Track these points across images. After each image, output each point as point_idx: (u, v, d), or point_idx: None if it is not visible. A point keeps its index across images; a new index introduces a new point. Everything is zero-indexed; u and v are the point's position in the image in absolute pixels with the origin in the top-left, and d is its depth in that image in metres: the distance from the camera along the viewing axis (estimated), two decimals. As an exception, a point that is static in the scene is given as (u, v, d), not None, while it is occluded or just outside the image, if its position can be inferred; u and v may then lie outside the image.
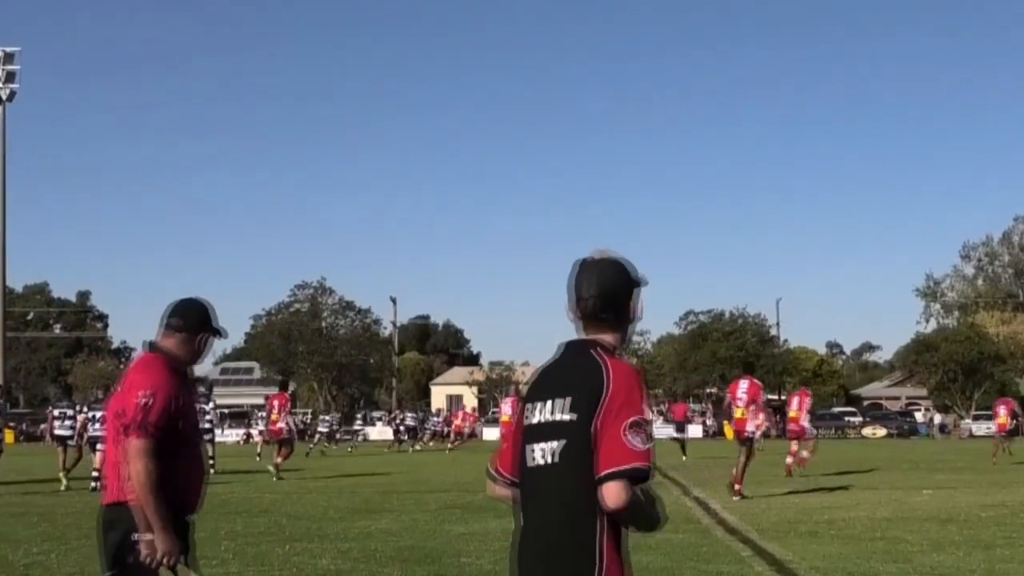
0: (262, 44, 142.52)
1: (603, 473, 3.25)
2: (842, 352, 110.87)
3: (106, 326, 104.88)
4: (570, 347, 3.53)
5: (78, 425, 21.48)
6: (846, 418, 69.36)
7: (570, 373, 3.44)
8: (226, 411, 65.10)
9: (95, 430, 19.63)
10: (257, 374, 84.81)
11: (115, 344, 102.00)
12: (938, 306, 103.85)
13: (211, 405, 22.79)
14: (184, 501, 4.62)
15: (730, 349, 73.19)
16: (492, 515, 13.91)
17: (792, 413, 24.54)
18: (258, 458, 29.58)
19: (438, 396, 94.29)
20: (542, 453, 3.41)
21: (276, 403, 24.86)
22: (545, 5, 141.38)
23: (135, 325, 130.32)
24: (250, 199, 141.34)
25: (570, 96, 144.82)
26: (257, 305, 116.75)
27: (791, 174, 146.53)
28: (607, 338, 3.51)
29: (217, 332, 4.91)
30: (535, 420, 3.47)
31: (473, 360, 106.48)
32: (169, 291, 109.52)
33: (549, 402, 3.44)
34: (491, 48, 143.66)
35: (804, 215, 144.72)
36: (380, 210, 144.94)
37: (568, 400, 3.38)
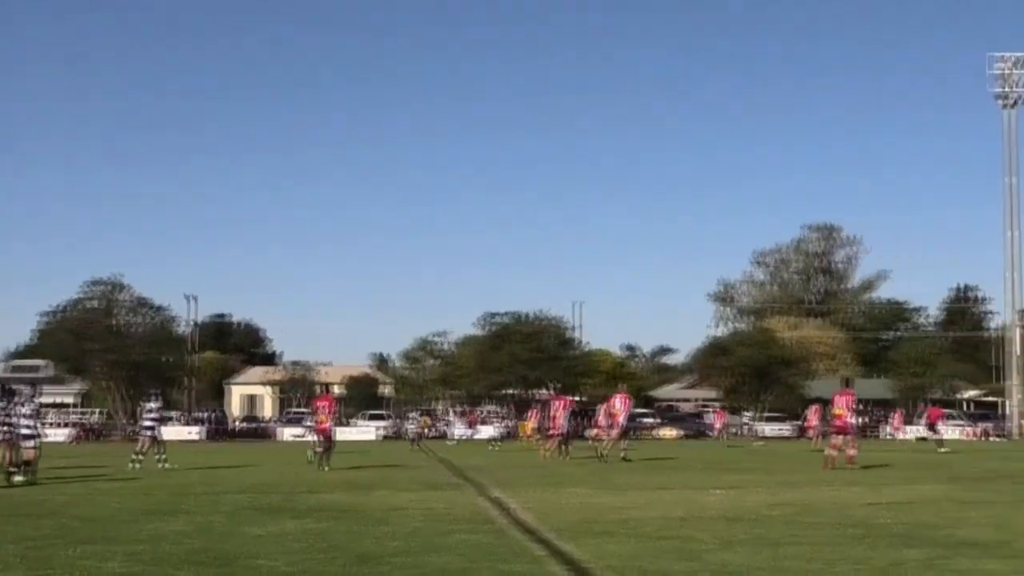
0: None
1: None
2: (639, 355, 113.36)
3: None
4: None
5: None
6: (640, 419, 71.01)
7: None
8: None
9: None
10: (45, 372, 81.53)
11: None
12: (730, 310, 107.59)
13: (29, 408, 21.73)
14: None
15: (529, 351, 73.99)
16: (289, 516, 13.73)
17: (615, 410, 32.21)
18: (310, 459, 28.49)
19: (235, 395, 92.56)
20: None
21: (323, 405, 27.80)
22: None
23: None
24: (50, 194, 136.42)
25: (376, 90, 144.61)
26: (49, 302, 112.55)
27: (585, 178, 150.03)
28: None
29: None
30: None
31: (271, 359, 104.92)
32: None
33: None
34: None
35: (603, 220, 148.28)
36: (180, 207, 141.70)
37: None
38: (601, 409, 37.64)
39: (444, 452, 40.42)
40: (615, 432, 32.43)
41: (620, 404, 32.48)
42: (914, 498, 17.07)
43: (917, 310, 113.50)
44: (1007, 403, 73.06)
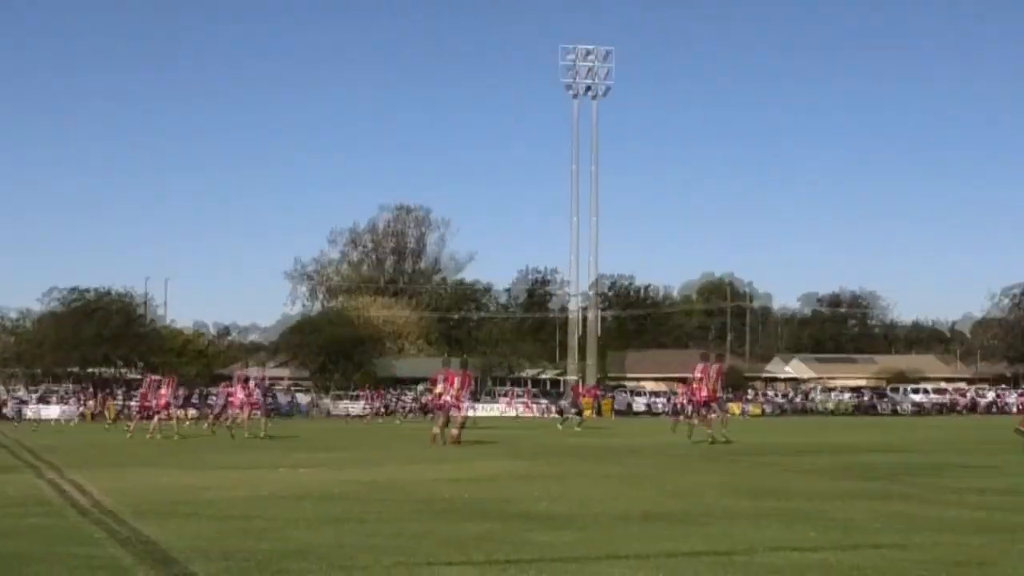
0: None
1: None
2: (212, 331, 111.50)
3: None
4: None
5: None
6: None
7: None
8: None
9: None
10: None
11: None
12: (311, 289, 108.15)
13: None
14: None
15: (96, 327, 71.57)
16: None
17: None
18: None
19: None
20: None
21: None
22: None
23: None
24: None
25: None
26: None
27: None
28: None
29: None
30: None
31: None
32: None
33: None
34: None
35: (183, 199, 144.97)
36: None
37: None
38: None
39: (15, 432, 38.58)
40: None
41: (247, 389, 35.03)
42: (476, 474, 17.85)
43: (486, 290, 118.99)
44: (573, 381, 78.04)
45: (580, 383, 69.44)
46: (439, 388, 28.47)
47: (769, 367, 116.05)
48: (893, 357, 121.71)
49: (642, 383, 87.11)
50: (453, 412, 27.68)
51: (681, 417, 35.66)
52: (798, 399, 79.32)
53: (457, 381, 28.16)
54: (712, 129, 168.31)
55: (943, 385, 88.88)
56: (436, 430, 27.50)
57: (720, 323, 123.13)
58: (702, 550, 9.08)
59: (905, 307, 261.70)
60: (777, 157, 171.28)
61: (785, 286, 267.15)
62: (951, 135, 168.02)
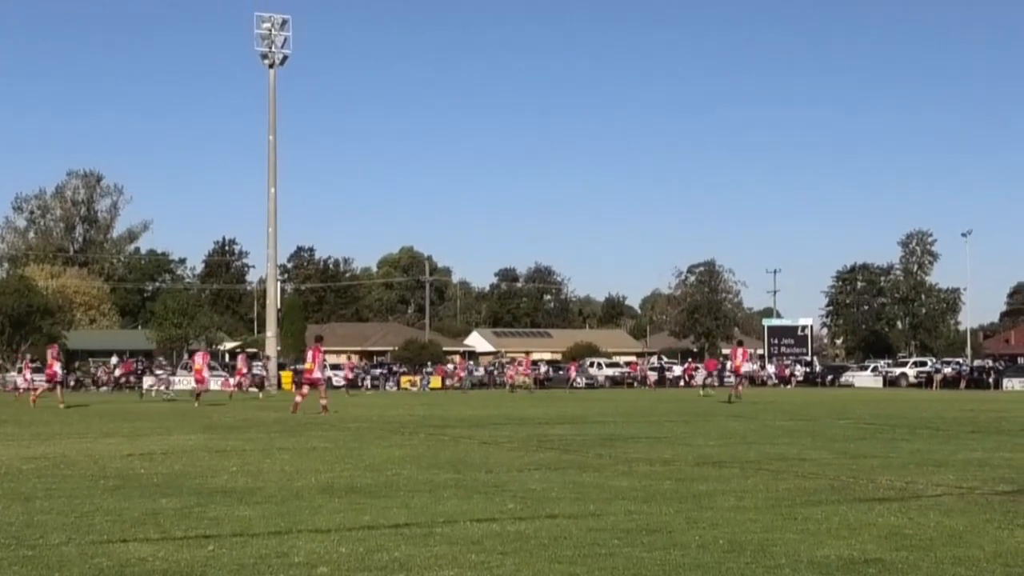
0: None
1: None
2: None
3: None
4: None
5: None
6: None
7: None
8: None
9: None
10: None
11: None
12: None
13: None
14: None
15: None
16: None
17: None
18: None
19: None
20: None
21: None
22: None
23: None
24: None
25: None
26: None
27: None
28: None
29: None
30: None
31: None
32: None
33: None
34: None
35: None
36: None
37: None
38: None
39: None
40: None
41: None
42: (171, 448, 17.85)
43: (180, 261, 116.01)
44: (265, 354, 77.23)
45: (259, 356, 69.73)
46: (308, 364, 31.93)
47: (468, 340, 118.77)
48: (580, 331, 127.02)
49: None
50: (319, 385, 31.30)
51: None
52: (479, 372, 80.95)
53: (320, 356, 31.58)
54: (402, 111, 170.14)
55: (617, 360, 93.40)
56: (298, 399, 31.16)
57: (420, 297, 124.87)
58: (401, 522, 9.50)
59: (595, 284, 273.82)
60: (474, 133, 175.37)
61: (480, 263, 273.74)
62: (640, 126, 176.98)
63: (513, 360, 78.50)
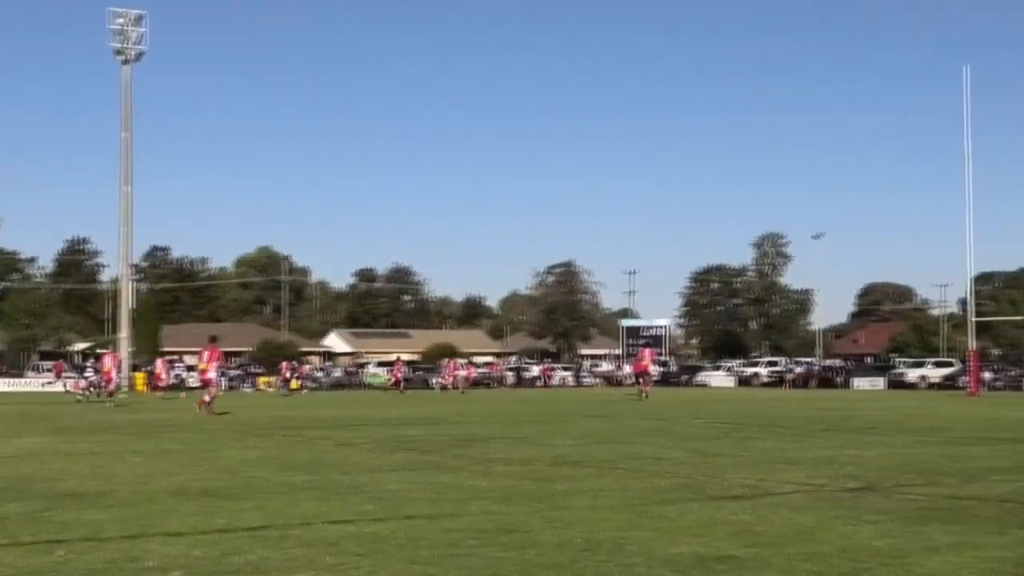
0: None
1: None
2: None
3: None
4: None
5: None
6: None
7: None
8: None
9: None
10: None
11: None
12: None
13: None
14: None
15: None
16: None
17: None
18: None
19: None
20: None
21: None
22: None
23: None
24: None
25: None
26: None
27: None
28: None
29: None
30: None
31: None
32: None
33: None
34: None
35: None
36: None
37: None
38: None
39: None
40: None
41: None
42: (18, 451, 17.48)
43: (30, 260, 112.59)
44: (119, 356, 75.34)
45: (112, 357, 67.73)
46: (203, 363, 32.48)
47: (326, 341, 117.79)
48: (440, 332, 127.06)
49: (183, 357, 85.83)
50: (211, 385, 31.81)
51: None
52: (337, 372, 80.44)
53: (217, 356, 32.35)
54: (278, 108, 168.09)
55: (477, 360, 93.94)
56: (207, 399, 31.11)
57: (278, 298, 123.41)
58: (256, 525, 9.40)
59: (454, 284, 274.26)
60: (332, 132, 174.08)
61: (339, 263, 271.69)
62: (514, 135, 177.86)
63: (450, 360, 77.92)
